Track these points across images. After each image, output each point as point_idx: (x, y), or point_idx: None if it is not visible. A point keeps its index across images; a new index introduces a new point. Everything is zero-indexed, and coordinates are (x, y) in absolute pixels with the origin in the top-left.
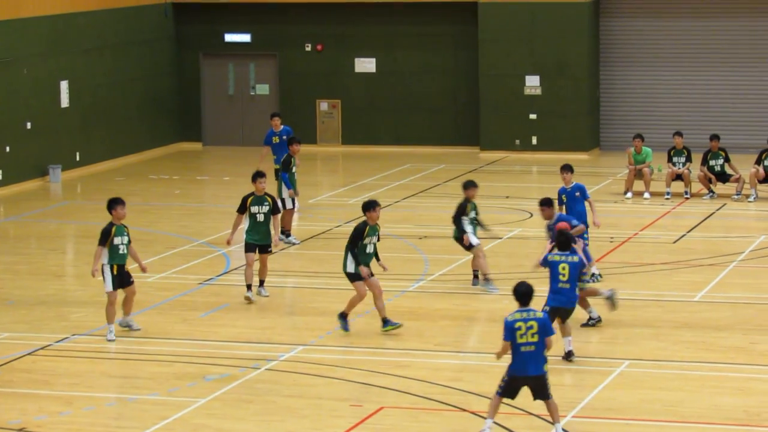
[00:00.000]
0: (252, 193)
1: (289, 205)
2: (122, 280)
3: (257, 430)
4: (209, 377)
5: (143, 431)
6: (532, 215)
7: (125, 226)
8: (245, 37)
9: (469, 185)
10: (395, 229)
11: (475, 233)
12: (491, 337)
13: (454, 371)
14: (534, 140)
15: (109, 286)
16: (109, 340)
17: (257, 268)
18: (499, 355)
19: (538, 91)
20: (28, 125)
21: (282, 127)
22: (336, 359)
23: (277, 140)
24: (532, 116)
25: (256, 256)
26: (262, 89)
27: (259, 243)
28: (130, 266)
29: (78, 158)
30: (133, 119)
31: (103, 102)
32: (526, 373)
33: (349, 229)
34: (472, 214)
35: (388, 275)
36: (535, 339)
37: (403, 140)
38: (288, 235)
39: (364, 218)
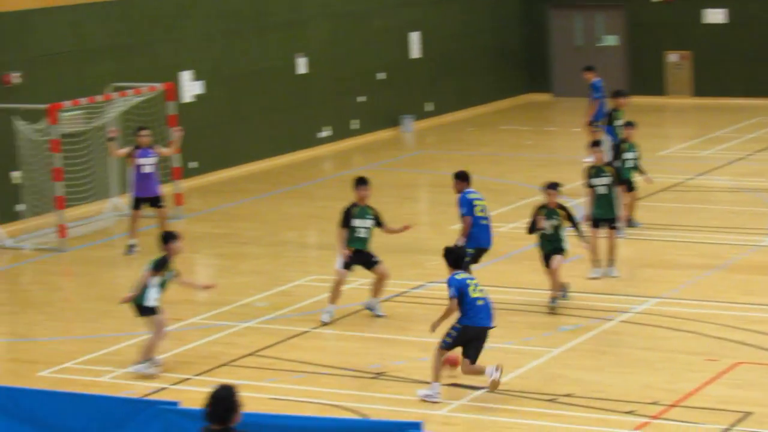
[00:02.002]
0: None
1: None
2: (363, 261)
3: (612, 382)
4: (564, 327)
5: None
6: None
7: (369, 208)
8: None
9: None
10: (747, 183)
11: None
12: None
13: None
14: None
15: (340, 265)
16: (323, 322)
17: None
18: (446, 316)
19: None
20: (381, 76)
21: (595, 79)
22: (689, 313)
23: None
24: None
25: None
26: (611, 40)
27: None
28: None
29: (429, 108)
30: (482, 70)
31: (452, 53)
32: (482, 324)
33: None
34: None
35: (738, 229)
36: (484, 294)
37: (755, 92)
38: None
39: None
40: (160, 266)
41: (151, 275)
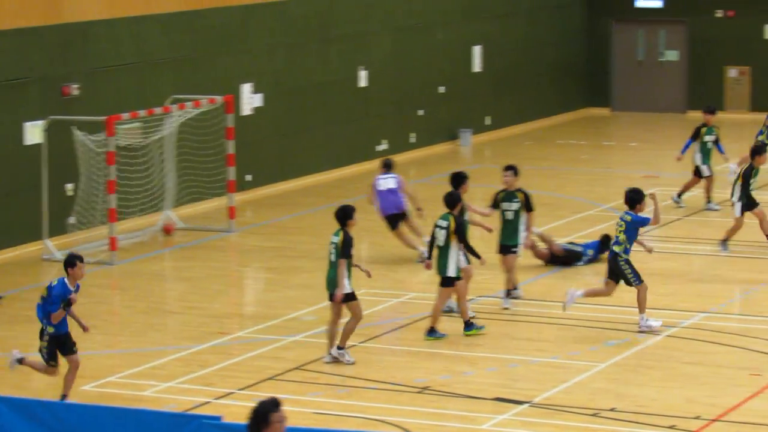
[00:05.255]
0: (503, 189)
1: (706, 173)
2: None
3: (657, 396)
4: (610, 342)
5: (543, 393)
6: None
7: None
8: (657, 3)
9: None
10: None
11: None
12: None
13: None
14: None
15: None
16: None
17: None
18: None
19: None
20: (442, 89)
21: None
22: (737, 327)
23: None
24: None
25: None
26: (672, 55)
27: (503, 243)
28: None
29: (488, 122)
30: (543, 84)
31: (514, 67)
32: None
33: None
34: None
35: None
36: None
37: None
38: (709, 201)
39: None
40: (347, 250)
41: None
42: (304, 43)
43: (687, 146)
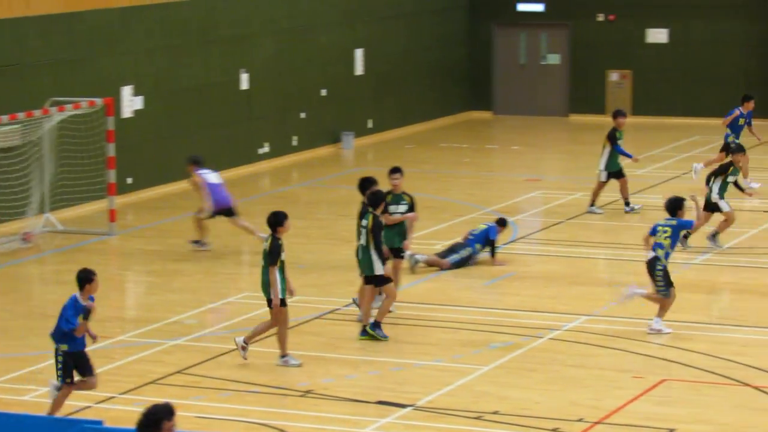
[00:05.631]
0: (389, 191)
1: (602, 178)
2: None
3: (539, 399)
4: (494, 345)
5: (426, 396)
6: None
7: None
8: (538, 7)
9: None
10: None
11: None
12: None
13: (738, 345)
14: None
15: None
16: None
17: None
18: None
19: None
20: (324, 92)
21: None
22: (619, 330)
23: (743, 122)
24: None
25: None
26: (553, 59)
27: (391, 247)
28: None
29: (370, 125)
30: (425, 87)
31: (396, 70)
32: None
33: (639, 200)
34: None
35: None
36: None
37: (693, 111)
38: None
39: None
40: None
41: None
42: (185, 46)
43: (622, 151)
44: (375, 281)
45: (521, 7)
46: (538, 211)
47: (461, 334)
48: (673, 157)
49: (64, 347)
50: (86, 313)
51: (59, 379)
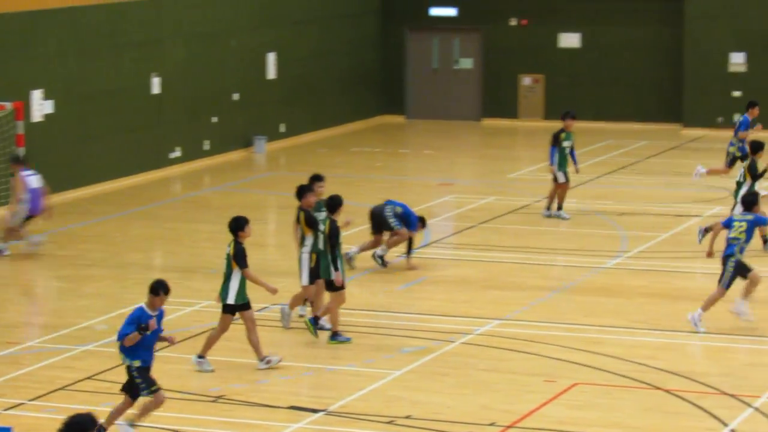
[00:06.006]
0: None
1: (561, 179)
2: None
3: (451, 403)
4: (406, 349)
5: (339, 401)
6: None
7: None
8: (451, 12)
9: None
10: (594, 206)
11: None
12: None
13: (650, 349)
14: (736, 118)
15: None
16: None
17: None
18: None
19: (743, 69)
20: (236, 96)
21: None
22: (531, 334)
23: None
24: (736, 94)
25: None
26: (466, 63)
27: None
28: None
29: (282, 129)
30: (337, 92)
31: (308, 74)
32: None
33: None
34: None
35: (583, 251)
36: None
37: (605, 116)
38: (560, 208)
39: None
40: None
41: None
42: (96, 50)
43: (552, 154)
44: (328, 286)
45: (434, 12)
46: (451, 215)
47: (373, 339)
48: (584, 162)
49: (137, 363)
50: (144, 327)
51: (144, 393)
